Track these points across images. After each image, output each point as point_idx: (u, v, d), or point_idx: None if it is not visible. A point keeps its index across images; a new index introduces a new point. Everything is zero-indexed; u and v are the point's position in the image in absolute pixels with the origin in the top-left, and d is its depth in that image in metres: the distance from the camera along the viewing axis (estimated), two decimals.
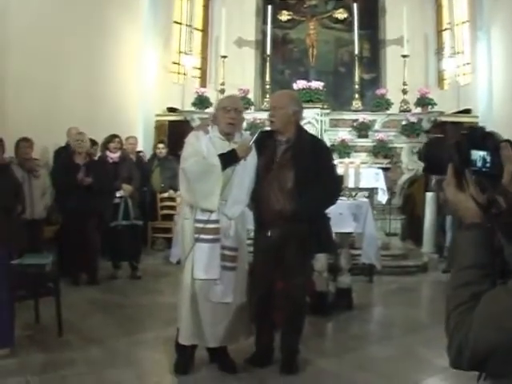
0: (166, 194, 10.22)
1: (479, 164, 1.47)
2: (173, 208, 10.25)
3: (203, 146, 4.25)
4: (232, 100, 4.54)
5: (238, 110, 4.36)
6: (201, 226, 4.16)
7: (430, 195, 10.35)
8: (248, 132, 7.34)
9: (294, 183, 4.27)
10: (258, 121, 10.48)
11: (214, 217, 4.18)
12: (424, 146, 1.72)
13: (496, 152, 1.47)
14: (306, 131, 4.82)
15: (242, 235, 4.41)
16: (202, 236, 4.16)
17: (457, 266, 1.47)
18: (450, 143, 1.54)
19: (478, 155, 1.47)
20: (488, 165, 1.47)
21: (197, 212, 4.22)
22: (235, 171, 4.23)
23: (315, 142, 4.55)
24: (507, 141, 1.49)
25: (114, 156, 7.90)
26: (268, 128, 4.70)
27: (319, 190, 4.25)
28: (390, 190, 10.23)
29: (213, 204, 4.16)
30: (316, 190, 4.23)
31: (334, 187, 4.55)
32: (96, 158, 8.11)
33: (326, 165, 4.44)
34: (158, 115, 12.41)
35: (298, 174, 4.27)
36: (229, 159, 4.21)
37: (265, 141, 4.44)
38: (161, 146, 10.38)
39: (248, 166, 4.31)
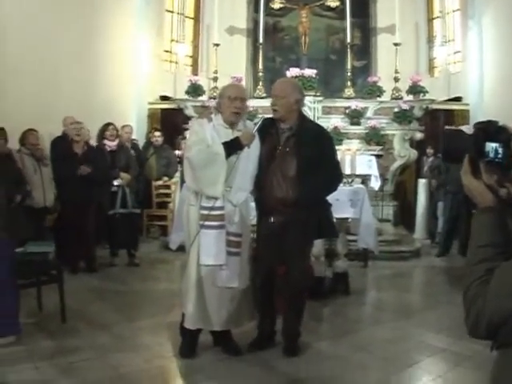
0: (160, 182, 10.27)
1: (492, 155, 1.60)
2: (168, 195, 10.32)
3: (207, 134, 4.31)
4: (237, 89, 4.57)
5: (243, 99, 4.40)
6: (206, 212, 4.22)
7: (422, 182, 10.49)
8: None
9: (296, 171, 4.34)
10: (251, 108, 10.51)
11: (218, 203, 4.23)
12: (443, 137, 1.85)
13: (507, 144, 1.59)
14: (309, 119, 4.90)
15: (246, 221, 4.48)
16: (208, 223, 4.22)
17: (473, 245, 1.59)
18: (468, 136, 1.66)
19: (491, 147, 1.59)
20: (500, 156, 1.59)
21: (202, 199, 4.28)
22: (239, 159, 4.29)
23: (318, 130, 4.59)
24: None
25: (112, 144, 7.94)
26: (269, 115, 4.74)
27: (321, 177, 4.33)
28: (383, 177, 10.37)
29: (217, 191, 4.22)
30: (318, 178, 4.30)
31: (335, 174, 4.59)
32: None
33: (328, 152, 4.49)
34: (150, 103, 12.40)
35: (300, 161, 4.34)
36: (232, 147, 4.27)
37: (267, 128, 4.50)
38: (157, 134, 10.44)
39: (251, 153, 4.37)
